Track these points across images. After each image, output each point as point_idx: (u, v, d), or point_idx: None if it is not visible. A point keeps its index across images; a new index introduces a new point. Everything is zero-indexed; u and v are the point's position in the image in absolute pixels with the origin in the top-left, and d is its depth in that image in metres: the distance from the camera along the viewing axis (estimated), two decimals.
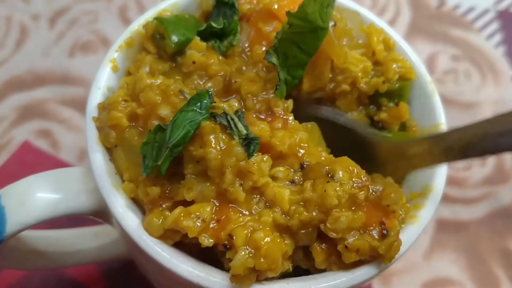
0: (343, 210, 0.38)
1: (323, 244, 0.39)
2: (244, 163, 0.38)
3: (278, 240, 0.38)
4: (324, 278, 0.38)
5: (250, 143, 0.38)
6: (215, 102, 0.39)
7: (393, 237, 0.38)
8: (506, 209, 0.69)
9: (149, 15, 0.48)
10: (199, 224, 0.37)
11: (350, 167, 0.39)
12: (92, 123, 0.42)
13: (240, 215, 0.38)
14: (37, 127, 0.70)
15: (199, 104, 0.39)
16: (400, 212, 0.40)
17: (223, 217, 0.38)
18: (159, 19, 0.46)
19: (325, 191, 0.38)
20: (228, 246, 0.37)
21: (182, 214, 0.37)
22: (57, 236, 0.52)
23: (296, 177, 0.41)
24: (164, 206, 0.39)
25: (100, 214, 0.43)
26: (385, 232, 0.38)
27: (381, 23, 0.51)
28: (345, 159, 0.40)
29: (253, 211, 0.39)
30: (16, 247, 0.47)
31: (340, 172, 0.39)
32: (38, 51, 0.76)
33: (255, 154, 0.38)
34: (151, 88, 0.40)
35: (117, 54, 0.46)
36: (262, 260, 0.36)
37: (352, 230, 0.38)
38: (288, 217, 0.38)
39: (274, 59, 0.43)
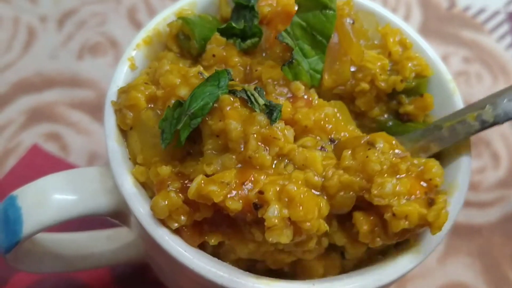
0: (386, 176, 0.37)
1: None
2: (268, 129, 0.37)
3: (312, 195, 0.36)
4: (350, 279, 0.37)
5: (272, 111, 0.38)
6: (234, 80, 0.39)
7: (441, 204, 0.37)
8: None
9: (167, 14, 0.48)
10: (223, 188, 0.35)
11: (389, 140, 0.39)
12: (112, 118, 0.42)
13: (267, 176, 0.37)
14: (46, 130, 0.70)
15: (217, 81, 0.38)
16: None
17: (250, 178, 0.36)
18: (184, 19, 0.46)
19: (367, 157, 0.37)
20: (258, 206, 0.36)
21: (203, 182, 0.36)
22: (71, 239, 0.51)
23: (327, 148, 0.39)
24: (171, 188, 0.38)
25: (118, 215, 0.43)
26: (431, 200, 0.37)
27: (397, 20, 0.51)
28: (384, 134, 0.40)
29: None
30: (31, 250, 0.46)
31: (381, 143, 0.38)
32: (46, 53, 0.76)
33: (278, 121, 0.37)
34: (171, 72, 0.40)
35: (135, 52, 0.45)
36: (297, 207, 0.35)
37: (398, 196, 0.37)
38: (323, 179, 0.37)
39: (288, 40, 0.43)
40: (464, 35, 0.83)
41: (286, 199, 0.35)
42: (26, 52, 0.76)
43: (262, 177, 0.36)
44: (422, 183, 0.38)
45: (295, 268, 0.42)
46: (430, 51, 0.50)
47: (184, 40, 0.46)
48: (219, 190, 0.35)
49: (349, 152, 0.38)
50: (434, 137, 0.43)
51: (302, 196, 0.35)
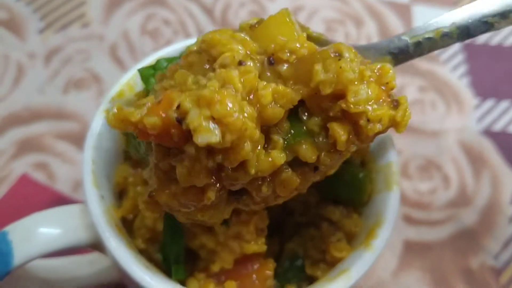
0: (357, 84, 0.39)
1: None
2: None
3: (233, 95, 0.36)
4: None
5: None
6: None
7: (405, 104, 0.41)
8: (468, 230, 0.75)
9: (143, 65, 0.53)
10: (140, 108, 0.36)
11: (351, 48, 0.41)
12: (88, 167, 0.48)
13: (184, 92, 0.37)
14: (34, 160, 0.76)
15: None
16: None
17: (166, 96, 0.37)
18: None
19: (340, 67, 0.38)
20: (180, 119, 0.35)
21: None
22: (56, 264, 0.57)
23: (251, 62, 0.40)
24: None
25: (97, 246, 0.49)
26: (396, 102, 0.41)
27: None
28: (343, 43, 0.42)
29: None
30: (21, 276, 0.52)
31: (347, 52, 0.40)
32: (34, 88, 0.82)
33: None
34: None
35: (109, 105, 0.51)
36: (217, 105, 0.35)
37: (370, 101, 0.39)
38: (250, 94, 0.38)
39: None
40: (420, 65, 0.89)
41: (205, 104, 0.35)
42: (15, 87, 0.81)
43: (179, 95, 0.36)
44: (382, 87, 0.41)
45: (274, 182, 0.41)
46: None
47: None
48: (136, 111, 0.36)
49: (320, 65, 0.39)
50: (398, 50, 0.47)
51: (220, 95, 0.35)
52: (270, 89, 0.38)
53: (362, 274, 0.45)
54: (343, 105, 0.39)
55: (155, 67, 0.48)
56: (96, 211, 0.46)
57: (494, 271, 0.72)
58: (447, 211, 0.77)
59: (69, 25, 0.88)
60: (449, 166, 0.80)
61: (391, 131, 0.43)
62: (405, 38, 0.47)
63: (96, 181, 0.48)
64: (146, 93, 0.49)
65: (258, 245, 0.48)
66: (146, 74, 0.48)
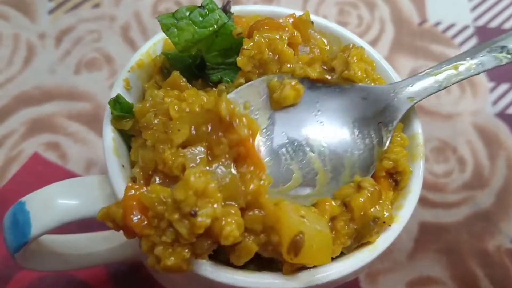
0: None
1: None
2: None
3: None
4: (316, 270, 0.43)
5: None
6: None
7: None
8: (484, 213, 0.74)
9: (157, 39, 0.53)
10: None
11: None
12: (109, 134, 0.47)
13: None
14: (45, 140, 0.75)
15: None
16: None
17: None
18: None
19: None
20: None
21: None
22: (72, 240, 0.56)
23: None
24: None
25: None
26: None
27: (360, 41, 0.56)
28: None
29: None
30: (36, 250, 0.51)
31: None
32: (45, 68, 0.81)
33: None
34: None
35: (129, 74, 0.50)
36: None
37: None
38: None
39: None
40: (434, 49, 0.89)
41: None
42: (26, 67, 0.81)
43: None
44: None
45: None
46: (392, 72, 0.55)
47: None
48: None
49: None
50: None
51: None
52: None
53: (388, 244, 0.45)
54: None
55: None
56: (117, 179, 0.45)
57: (511, 254, 0.71)
58: (463, 193, 0.76)
59: (79, 6, 0.87)
60: (465, 149, 0.79)
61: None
62: None
63: (116, 149, 0.47)
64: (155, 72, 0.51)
65: None
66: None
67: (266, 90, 0.49)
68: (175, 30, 0.47)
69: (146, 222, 0.39)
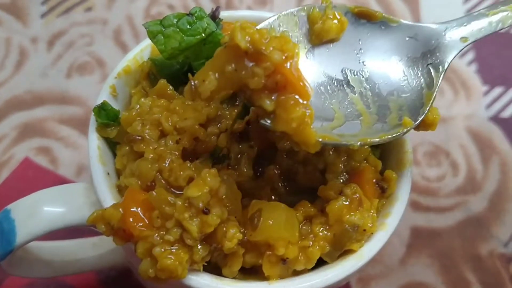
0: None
1: None
2: None
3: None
4: (302, 279, 0.43)
5: None
6: None
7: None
8: (477, 217, 0.74)
9: (144, 45, 0.53)
10: None
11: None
12: (94, 141, 0.47)
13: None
14: (36, 145, 0.75)
15: None
16: None
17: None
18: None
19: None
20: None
21: None
22: (59, 246, 0.56)
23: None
24: None
25: None
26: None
27: None
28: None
29: None
30: (23, 257, 0.51)
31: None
32: (37, 72, 0.81)
33: None
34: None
35: (115, 80, 0.50)
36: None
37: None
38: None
39: None
40: None
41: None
42: (17, 71, 0.81)
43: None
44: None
45: None
46: None
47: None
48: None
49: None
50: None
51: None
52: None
53: (374, 253, 0.44)
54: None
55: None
56: (102, 188, 0.45)
57: (504, 259, 0.71)
58: (455, 197, 0.76)
59: (72, 9, 0.87)
60: (458, 153, 0.79)
61: None
62: None
63: (102, 157, 0.46)
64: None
65: None
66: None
67: (306, 22, 0.46)
68: (162, 37, 0.46)
69: (145, 223, 0.40)
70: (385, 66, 0.47)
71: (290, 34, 0.45)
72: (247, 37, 0.38)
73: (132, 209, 0.40)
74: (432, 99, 0.46)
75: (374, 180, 0.47)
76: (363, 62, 0.47)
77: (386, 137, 0.44)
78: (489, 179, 0.77)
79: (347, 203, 0.44)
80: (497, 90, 0.86)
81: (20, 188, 0.70)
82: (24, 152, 0.74)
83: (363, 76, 0.47)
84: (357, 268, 0.44)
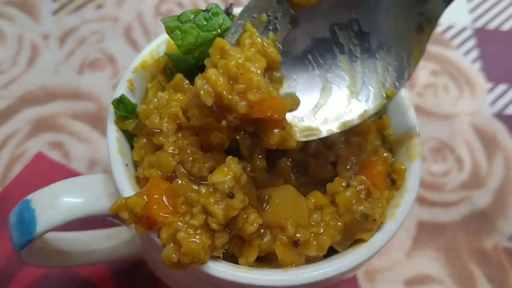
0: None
1: None
2: None
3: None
4: (315, 267, 0.44)
5: None
6: None
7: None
8: (481, 212, 0.75)
9: (161, 40, 0.53)
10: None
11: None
12: (113, 133, 0.48)
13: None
14: (49, 139, 0.76)
15: None
16: None
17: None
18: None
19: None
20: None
21: None
22: (75, 237, 0.57)
23: None
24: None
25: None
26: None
27: None
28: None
29: None
30: (41, 247, 0.52)
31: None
32: (49, 68, 0.82)
33: None
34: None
35: (133, 75, 0.51)
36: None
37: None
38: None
39: None
40: (432, 50, 0.90)
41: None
42: (30, 67, 0.82)
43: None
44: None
45: None
46: None
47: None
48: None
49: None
50: None
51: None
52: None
53: (384, 243, 0.45)
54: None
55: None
56: (121, 178, 0.46)
57: (508, 253, 0.72)
58: (460, 192, 0.77)
59: (83, 7, 0.88)
60: (462, 149, 0.80)
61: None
62: None
63: (120, 149, 0.48)
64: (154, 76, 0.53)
65: None
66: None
67: None
68: (179, 33, 0.48)
69: (169, 210, 0.42)
70: (375, 14, 0.46)
71: (268, 13, 0.46)
72: (212, 94, 0.41)
73: (155, 197, 0.41)
74: (420, 58, 0.46)
75: (384, 172, 0.48)
76: (353, 11, 0.46)
77: (366, 114, 0.47)
78: (493, 175, 0.79)
79: (356, 192, 0.45)
80: (501, 88, 0.87)
81: (33, 182, 0.72)
82: (37, 146, 0.75)
83: (352, 30, 0.47)
84: (369, 257, 0.45)
